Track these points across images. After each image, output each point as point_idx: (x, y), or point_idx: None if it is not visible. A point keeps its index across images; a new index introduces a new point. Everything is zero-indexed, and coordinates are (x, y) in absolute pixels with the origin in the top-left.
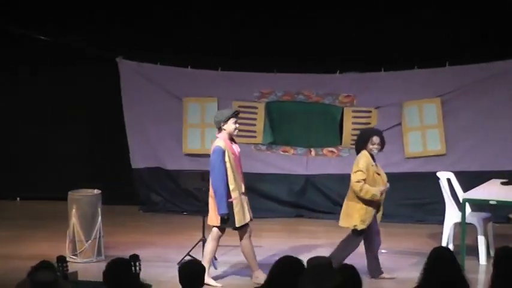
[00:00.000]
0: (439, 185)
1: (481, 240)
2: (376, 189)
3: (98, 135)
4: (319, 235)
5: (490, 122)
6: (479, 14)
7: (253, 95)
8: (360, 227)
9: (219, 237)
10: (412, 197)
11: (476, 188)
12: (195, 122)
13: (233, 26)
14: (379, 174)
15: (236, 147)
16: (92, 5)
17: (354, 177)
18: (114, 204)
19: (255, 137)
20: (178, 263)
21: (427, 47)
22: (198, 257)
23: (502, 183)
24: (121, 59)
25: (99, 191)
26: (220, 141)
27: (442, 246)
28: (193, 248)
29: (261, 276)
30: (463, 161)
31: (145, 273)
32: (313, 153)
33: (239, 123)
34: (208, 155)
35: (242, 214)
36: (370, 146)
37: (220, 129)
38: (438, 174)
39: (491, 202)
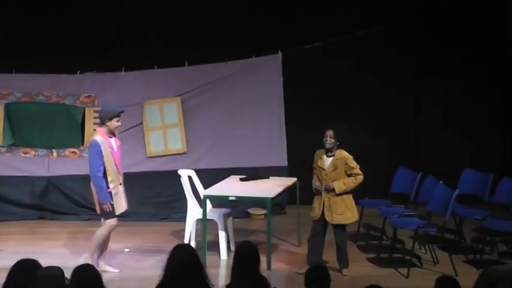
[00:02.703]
0: (181, 182)
1: (222, 236)
2: (315, 183)
3: None
4: (61, 236)
5: (229, 120)
6: (220, 14)
7: None
8: (311, 215)
9: (112, 227)
10: (155, 196)
11: (216, 184)
12: None
13: None
14: (323, 168)
15: (115, 142)
16: None
17: None
18: None
19: None
20: None
21: (164, 46)
22: None
23: (241, 180)
24: None
25: None
26: (98, 135)
27: (183, 244)
28: None
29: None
30: (204, 159)
31: None
32: (54, 154)
33: None
34: None
35: (119, 204)
36: (324, 139)
37: (103, 124)
38: (179, 172)
39: (230, 198)
